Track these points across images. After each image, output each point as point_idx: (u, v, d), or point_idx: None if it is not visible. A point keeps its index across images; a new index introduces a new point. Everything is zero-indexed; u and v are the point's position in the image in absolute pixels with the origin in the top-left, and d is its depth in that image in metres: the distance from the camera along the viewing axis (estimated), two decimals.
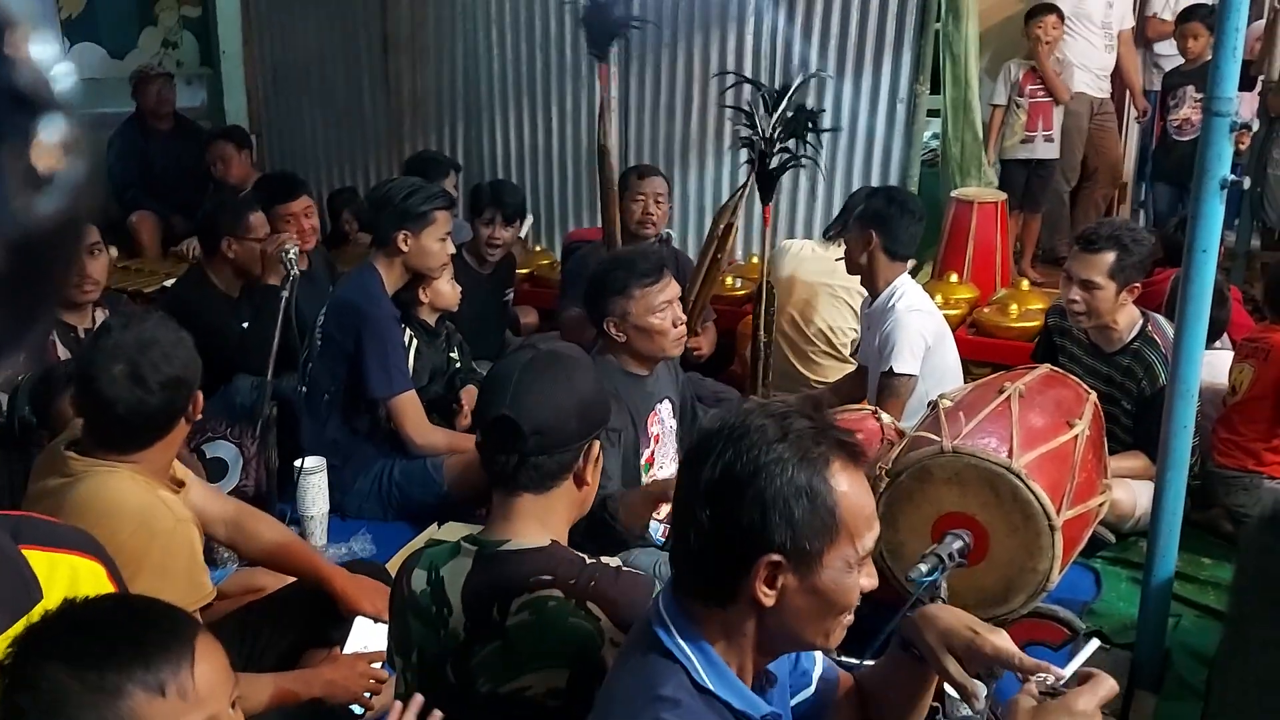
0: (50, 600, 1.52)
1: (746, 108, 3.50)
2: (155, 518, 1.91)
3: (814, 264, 3.99)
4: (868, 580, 1.32)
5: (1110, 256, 3.07)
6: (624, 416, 2.77)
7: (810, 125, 3.41)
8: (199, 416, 2.09)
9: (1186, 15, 5.41)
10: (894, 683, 1.53)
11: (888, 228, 3.34)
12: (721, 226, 3.70)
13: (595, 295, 2.82)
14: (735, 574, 1.27)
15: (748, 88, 5.00)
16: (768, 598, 1.26)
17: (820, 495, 1.25)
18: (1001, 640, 1.36)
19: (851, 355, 4.04)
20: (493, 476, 1.69)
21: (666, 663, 1.31)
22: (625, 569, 1.69)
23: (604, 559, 1.69)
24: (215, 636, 2.12)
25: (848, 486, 1.28)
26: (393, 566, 2.94)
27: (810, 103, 4.89)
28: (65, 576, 1.57)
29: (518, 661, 1.59)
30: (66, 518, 1.88)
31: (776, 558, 1.25)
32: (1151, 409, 3.00)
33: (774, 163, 3.43)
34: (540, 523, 1.67)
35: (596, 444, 1.72)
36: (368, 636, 2.09)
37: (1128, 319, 3.18)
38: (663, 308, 2.79)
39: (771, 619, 1.29)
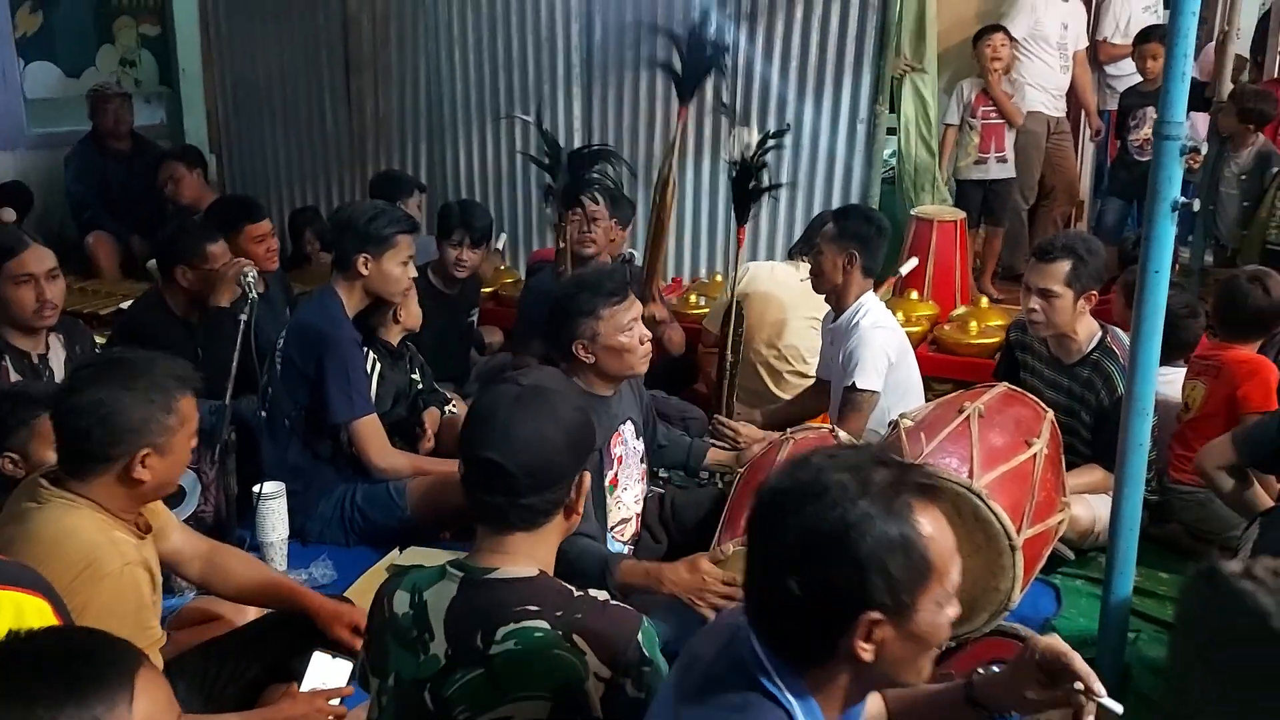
0: None
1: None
2: (103, 559, 1.87)
3: (789, 285, 4.01)
4: (953, 610, 1.31)
5: (1066, 265, 3.13)
6: None
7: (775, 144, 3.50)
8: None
9: (1145, 36, 5.51)
10: (936, 715, 1.55)
11: (868, 247, 3.40)
12: (659, 189, 3.72)
13: (561, 319, 2.80)
14: (832, 635, 1.26)
15: (708, 101, 5.10)
16: (866, 653, 1.25)
17: (913, 545, 1.24)
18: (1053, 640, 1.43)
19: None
20: (479, 514, 1.68)
21: (771, 706, 1.29)
22: (612, 603, 1.68)
23: (592, 591, 1.68)
24: (177, 669, 2.11)
25: (933, 528, 1.27)
26: (354, 592, 2.92)
27: (771, 122, 4.98)
28: (9, 612, 1.55)
29: (500, 691, 1.58)
30: (22, 544, 1.87)
31: (876, 615, 1.24)
32: (1109, 419, 3.05)
33: (752, 184, 3.49)
34: (529, 555, 1.66)
35: (586, 474, 1.72)
36: (326, 673, 2.07)
37: (1086, 330, 3.23)
38: (630, 326, 2.80)
39: (867, 670, 1.28)
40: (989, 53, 5.44)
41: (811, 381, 4.05)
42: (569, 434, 1.67)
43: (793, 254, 4.21)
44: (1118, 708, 1.39)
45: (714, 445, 3.40)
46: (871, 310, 3.43)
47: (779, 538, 1.26)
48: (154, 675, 1.20)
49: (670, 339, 4.14)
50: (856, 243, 3.38)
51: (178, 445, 1.98)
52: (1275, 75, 5.43)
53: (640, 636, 1.62)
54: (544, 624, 1.58)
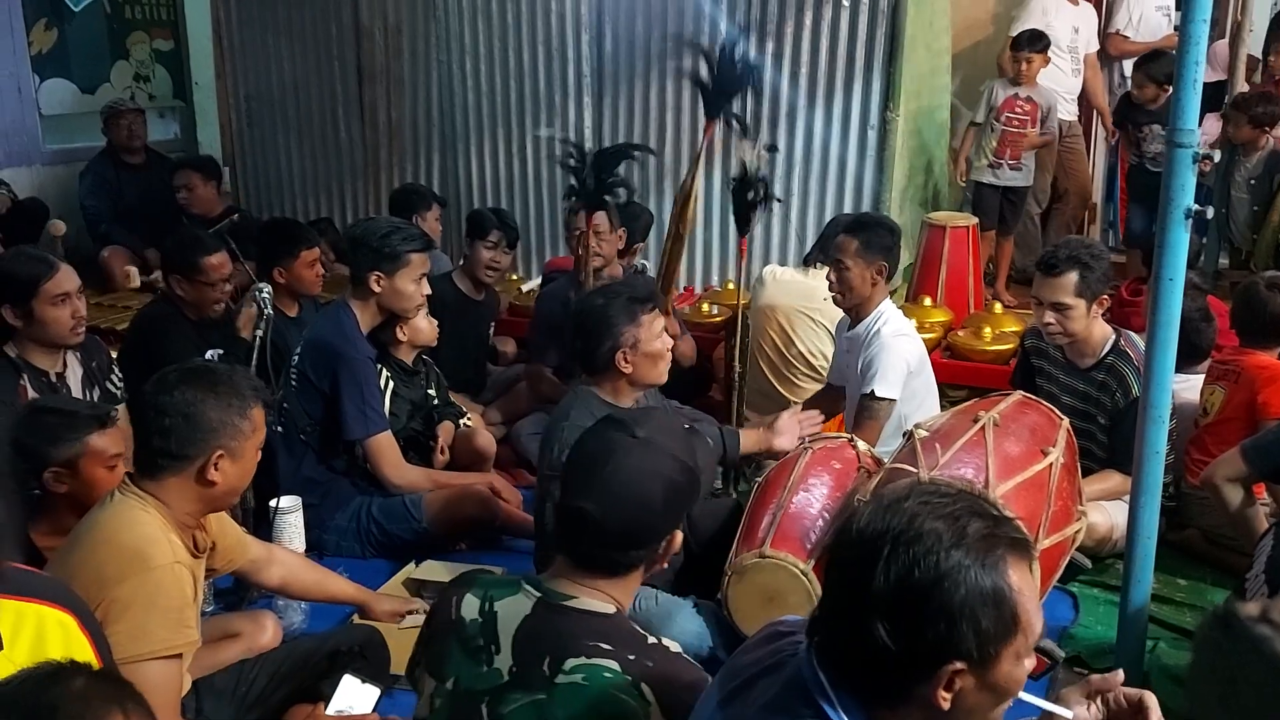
0: (14, 651, 1.51)
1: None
2: (154, 553, 1.94)
3: (793, 288, 4.02)
4: (1030, 662, 1.31)
5: (1074, 276, 3.12)
6: None
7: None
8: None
9: (1140, 63, 5.51)
10: None
11: (892, 256, 3.41)
12: (681, 200, 3.71)
13: (602, 330, 2.76)
14: (914, 681, 1.25)
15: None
16: (945, 702, 1.25)
17: (1004, 598, 1.23)
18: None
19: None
20: (564, 549, 1.68)
21: None
22: (684, 656, 1.68)
23: (665, 641, 1.67)
24: (208, 686, 2.14)
25: (1022, 583, 1.26)
26: None
27: (782, 130, 4.99)
28: (32, 626, 1.56)
29: None
30: (85, 532, 1.99)
31: (961, 665, 1.23)
32: (1124, 421, 3.05)
33: (751, 196, 3.49)
34: (608, 595, 1.66)
35: (677, 533, 1.69)
36: (353, 697, 2.08)
37: (1100, 334, 3.23)
38: (661, 332, 2.83)
39: (939, 716, 1.27)
40: (1020, 67, 5.39)
41: (820, 384, 4.07)
42: (670, 495, 1.64)
43: (807, 261, 4.19)
44: None
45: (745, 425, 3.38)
46: (892, 318, 3.42)
47: (869, 582, 1.24)
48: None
49: (682, 352, 4.15)
50: (884, 255, 3.38)
51: (248, 452, 2.08)
52: (1276, 77, 5.39)
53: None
54: (615, 664, 1.57)
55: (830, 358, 4.03)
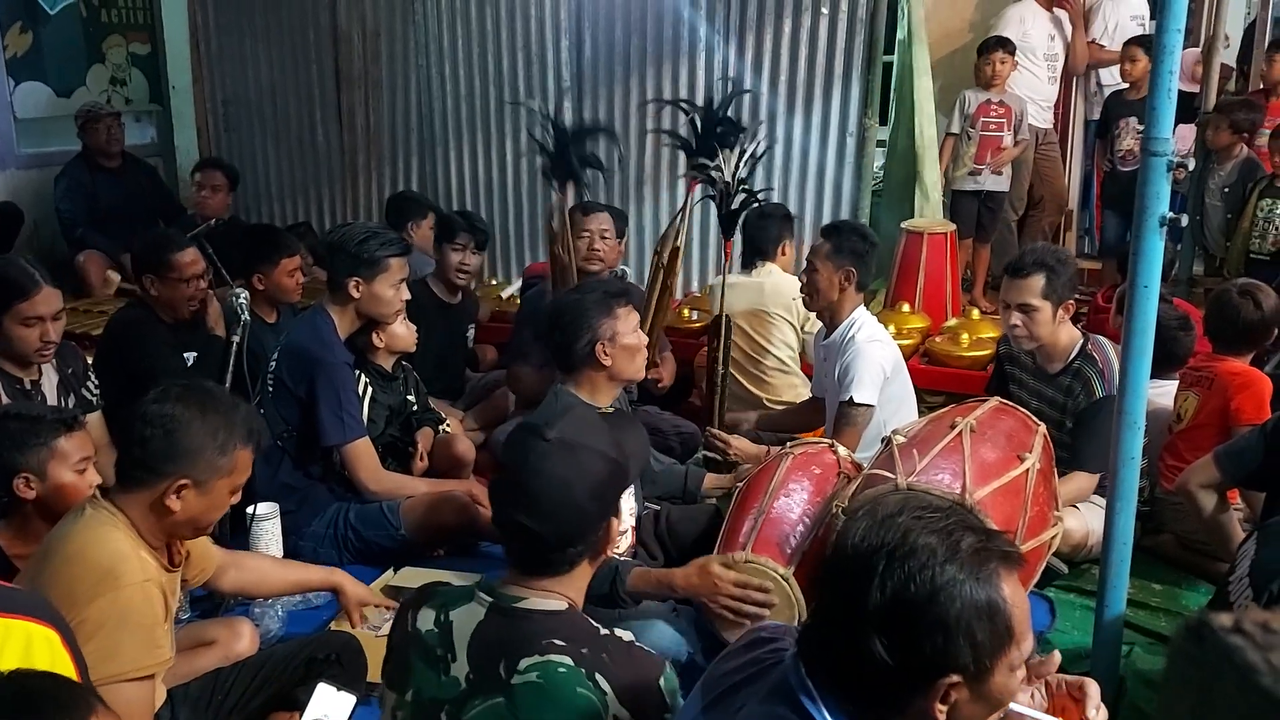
0: (2, 666, 1.49)
1: (687, 136, 3.62)
2: (125, 570, 1.90)
3: (745, 292, 4.06)
4: (1022, 672, 1.33)
5: (1040, 279, 3.16)
6: None
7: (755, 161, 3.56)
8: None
9: (1133, 41, 5.54)
10: None
11: (863, 263, 3.44)
12: (666, 253, 3.76)
13: (580, 323, 2.79)
14: (910, 695, 1.26)
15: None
16: (941, 715, 1.26)
17: (999, 610, 1.25)
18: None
19: (800, 369, 4.18)
20: (510, 556, 1.71)
21: None
22: (638, 645, 1.70)
23: (618, 631, 1.70)
24: (184, 695, 2.12)
25: (1014, 595, 1.28)
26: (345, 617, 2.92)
27: (761, 136, 5.00)
28: (19, 642, 1.55)
29: None
30: (56, 545, 1.94)
31: (956, 679, 1.24)
32: (1083, 421, 3.10)
33: (735, 203, 3.51)
34: (559, 593, 1.68)
35: (614, 520, 1.73)
36: (329, 705, 2.07)
37: (1068, 339, 3.25)
38: (636, 326, 2.87)
39: None
40: (989, 70, 5.45)
41: (790, 376, 4.13)
42: (594, 490, 1.67)
43: (746, 264, 4.25)
44: None
45: (708, 456, 3.40)
46: (865, 325, 3.45)
47: (864, 597, 1.25)
48: None
49: (662, 388, 4.22)
50: (853, 259, 3.41)
51: (217, 490, 2.00)
52: (1260, 86, 5.46)
53: (662, 682, 1.64)
54: (568, 660, 1.59)
55: (792, 345, 4.11)
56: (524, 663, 1.59)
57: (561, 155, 3.80)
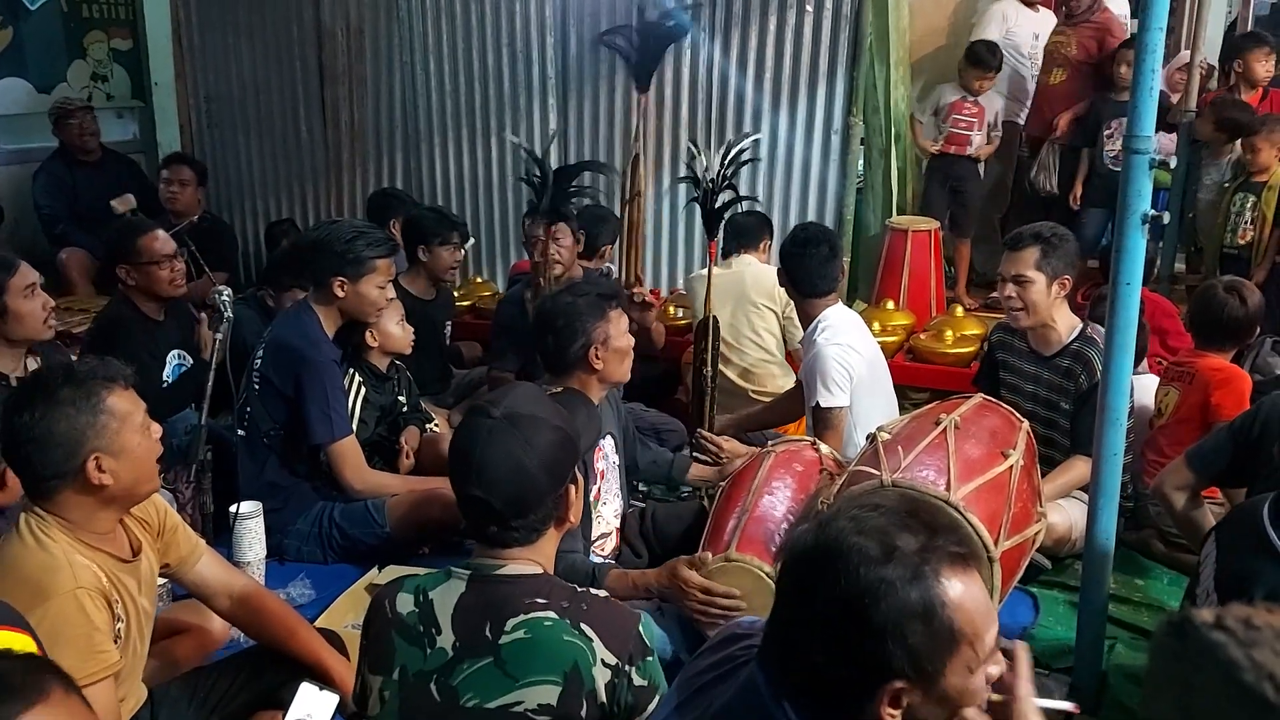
0: None
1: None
2: (51, 582, 1.85)
3: (722, 281, 4.05)
4: (995, 669, 1.29)
5: (1035, 250, 3.17)
6: None
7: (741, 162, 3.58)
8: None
9: (1128, 44, 5.55)
10: None
11: (798, 266, 3.43)
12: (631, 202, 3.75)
13: (574, 329, 2.78)
14: (858, 700, 1.23)
15: (684, 114, 5.15)
16: (892, 718, 1.23)
17: (934, 613, 1.19)
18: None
19: (785, 358, 4.21)
20: (477, 536, 1.77)
21: None
22: (612, 599, 1.79)
23: (592, 589, 1.78)
24: (164, 694, 2.09)
25: (962, 593, 1.22)
26: (332, 613, 2.92)
27: (748, 141, 5.01)
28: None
29: (509, 677, 1.65)
30: None
31: (900, 684, 1.20)
32: (1084, 401, 3.09)
33: (719, 201, 3.52)
34: (530, 560, 1.75)
35: (571, 487, 1.79)
36: (311, 704, 2.06)
37: (1066, 323, 3.26)
38: (626, 329, 2.88)
39: None
40: (973, 83, 5.49)
41: (773, 364, 4.18)
42: (544, 460, 1.73)
43: (725, 254, 4.28)
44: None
45: (697, 458, 3.41)
46: (831, 325, 3.42)
47: (804, 603, 1.24)
48: (68, 705, 1.11)
49: (657, 330, 4.32)
50: (785, 263, 3.47)
51: (127, 441, 1.94)
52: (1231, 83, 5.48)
53: (640, 628, 1.72)
54: (552, 614, 1.67)
55: (775, 334, 4.20)
56: (510, 622, 1.66)
57: (551, 198, 3.82)
